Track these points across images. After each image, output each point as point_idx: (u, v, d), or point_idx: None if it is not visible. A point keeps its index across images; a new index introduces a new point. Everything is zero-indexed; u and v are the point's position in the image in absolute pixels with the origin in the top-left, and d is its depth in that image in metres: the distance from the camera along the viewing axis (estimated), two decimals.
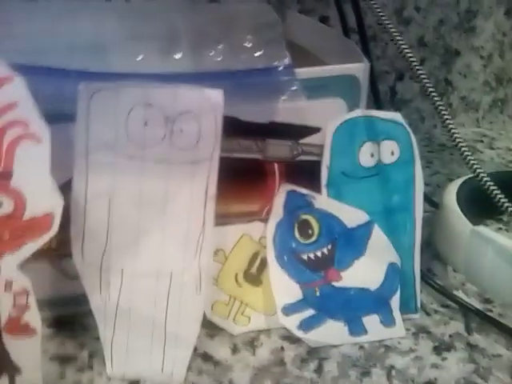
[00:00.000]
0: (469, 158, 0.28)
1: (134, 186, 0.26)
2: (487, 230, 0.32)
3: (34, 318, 0.24)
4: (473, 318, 0.31)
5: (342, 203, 0.30)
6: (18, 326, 0.24)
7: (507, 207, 0.28)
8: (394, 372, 0.28)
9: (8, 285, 0.23)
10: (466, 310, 0.31)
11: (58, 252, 0.28)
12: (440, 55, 0.55)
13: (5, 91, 0.23)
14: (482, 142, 0.56)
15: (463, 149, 0.28)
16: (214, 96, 0.25)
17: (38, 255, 0.25)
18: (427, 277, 0.33)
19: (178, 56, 0.29)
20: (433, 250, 0.37)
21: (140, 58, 0.28)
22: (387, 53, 0.54)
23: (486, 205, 0.30)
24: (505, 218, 0.41)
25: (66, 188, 0.25)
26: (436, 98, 0.29)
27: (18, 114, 0.23)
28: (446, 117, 0.28)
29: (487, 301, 0.33)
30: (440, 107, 0.28)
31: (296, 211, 0.30)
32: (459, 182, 0.37)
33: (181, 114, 0.25)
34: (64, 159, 0.25)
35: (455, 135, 0.28)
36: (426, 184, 0.45)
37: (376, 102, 0.35)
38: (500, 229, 0.40)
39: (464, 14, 0.54)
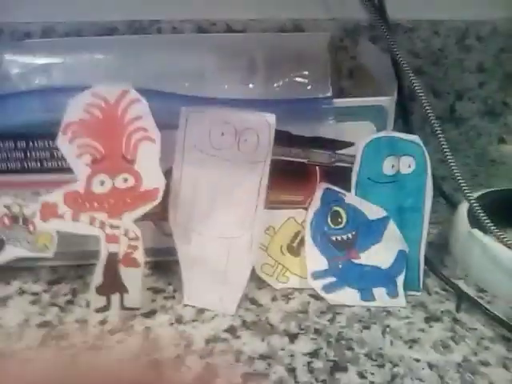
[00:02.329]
0: (461, 182, 0.37)
1: (212, 176, 0.38)
2: (478, 232, 0.40)
3: (140, 256, 0.37)
4: (465, 302, 0.39)
5: (366, 201, 0.40)
6: (129, 260, 0.37)
7: (490, 227, 0.37)
8: (388, 329, 0.37)
9: (126, 232, 0.36)
10: (460, 294, 0.40)
11: (161, 216, 0.41)
12: (499, 80, 0.62)
13: (135, 108, 0.36)
14: None
15: (456, 174, 0.37)
16: (269, 118, 0.36)
17: (148, 216, 0.38)
18: (435, 266, 0.42)
19: (251, 86, 0.40)
20: (446, 245, 0.45)
21: (226, 87, 0.40)
22: (448, 75, 0.61)
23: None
24: None
25: (168, 174, 0.38)
26: (437, 127, 0.37)
27: (141, 124, 0.36)
28: (443, 145, 0.37)
29: (481, 290, 0.41)
30: (439, 136, 0.37)
31: (330, 203, 0.41)
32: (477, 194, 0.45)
33: (246, 129, 0.36)
34: (167, 154, 0.37)
35: (450, 162, 0.37)
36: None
37: (404, 124, 0.44)
38: None
39: None
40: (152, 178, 0.36)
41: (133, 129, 0.35)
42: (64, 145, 0.35)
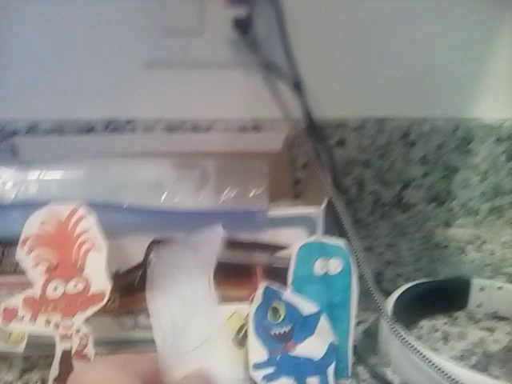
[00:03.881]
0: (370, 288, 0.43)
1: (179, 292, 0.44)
2: (398, 327, 0.45)
3: (90, 350, 0.42)
4: None
5: (301, 297, 0.46)
6: (81, 355, 0.42)
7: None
8: None
9: (77, 331, 0.42)
10: (383, 382, 0.45)
11: (119, 311, 0.47)
12: (440, 171, 0.68)
13: (84, 222, 0.42)
14: (472, 244, 0.67)
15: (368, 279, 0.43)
16: (218, 229, 0.42)
17: (107, 313, 0.43)
18: (364, 357, 0.47)
19: (201, 198, 0.46)
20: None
21: (176, 199, 0.46)
22: (393, 167, 0.68)
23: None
24: (453, 314, 0.53)
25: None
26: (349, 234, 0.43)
27: (89, 235, 0.42)
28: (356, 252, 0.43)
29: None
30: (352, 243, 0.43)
31: (270, 300, 0.46)
32: (402, 289, 0.50)
33: (201, 243, 0.43)
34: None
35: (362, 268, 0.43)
36: (406, 279, 0.58)
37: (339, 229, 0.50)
38: (445, 323, 0.52)
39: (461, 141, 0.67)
40: (99, 283, 0.42)
41: (82, 240, 0.42)
42: (22, 256, 0.42)
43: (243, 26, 0.56)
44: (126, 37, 0.63)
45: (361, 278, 0.46)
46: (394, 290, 0.51)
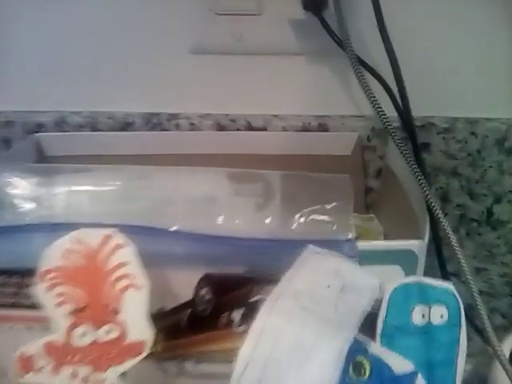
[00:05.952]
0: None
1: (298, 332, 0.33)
2: None
3: None
4: None
5: (393, 352, 0.36)
6: None
7: None
8: None
9: None
10: None
11: (162, 355, 0.37)
12: None
13: (119, 253, 0.33)
14: None
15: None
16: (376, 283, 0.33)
17: (148, 356, 0.34)
18: None
19: (267, 221, 0.36)
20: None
21: (237, 221, 0.36)
22: (485, 178, 0.57)
23: None
24: None
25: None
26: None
27: (127, 270, 0.32)
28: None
29: None
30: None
31: (353, 353, 0.36)
32: None
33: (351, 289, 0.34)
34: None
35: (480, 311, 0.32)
36: (503, 316, 0.48)
37: (442, 269, 0.39)
38: None
39: None
40: (138, 330, 0.33)
41: (117, 276, 0.32)
42: (41, 293, 0.33)
43: (317, 4, 0.46)
44: (171, 17, 0.53)
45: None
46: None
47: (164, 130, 0.56)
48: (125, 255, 0.33)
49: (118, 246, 0.33)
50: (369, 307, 0.33)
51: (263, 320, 0.33)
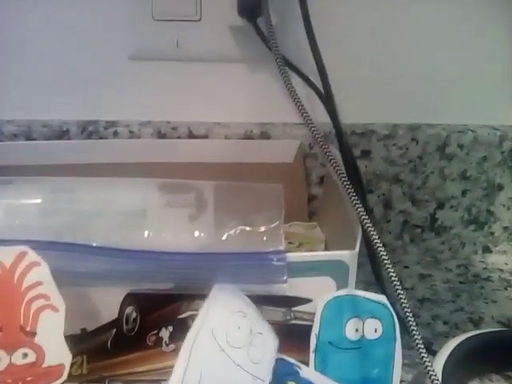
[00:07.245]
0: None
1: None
2: None
3: None
4: None
5: (325, 376, 0.35)
6: None
7: None
8: None
9: None
10: None
11: (87, 378, 0.36)
12: (482, 188, 0.57)
13: (34, 272, 0.31)
14: None
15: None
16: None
17: (72, 379, 0.32)
18: None
19: (198, 233, 0.35)
20: None
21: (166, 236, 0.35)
22: (428, 184, 0.57)
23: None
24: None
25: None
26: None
27: (42, 290, 0.31)
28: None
29: None
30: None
31: (283, 377, 0.35)
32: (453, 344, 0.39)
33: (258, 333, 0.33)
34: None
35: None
36: (445, 323, 0.48)
37: (378, 281, 0.38)
38: None
39: (508, 153, 0.56)
40: (56, 353, 0.31)
41: (32, 296, 0.30)
42: None
43: (251, 11, 0.45)
44: (108, 22, 0.51)
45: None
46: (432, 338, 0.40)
47: (101, 138, 0.54)
48: (40, 274, 0.31)
49: (33, 264, 0.31)
50: (276, 351, 0.33)
51: (187, 352, 0.31)
